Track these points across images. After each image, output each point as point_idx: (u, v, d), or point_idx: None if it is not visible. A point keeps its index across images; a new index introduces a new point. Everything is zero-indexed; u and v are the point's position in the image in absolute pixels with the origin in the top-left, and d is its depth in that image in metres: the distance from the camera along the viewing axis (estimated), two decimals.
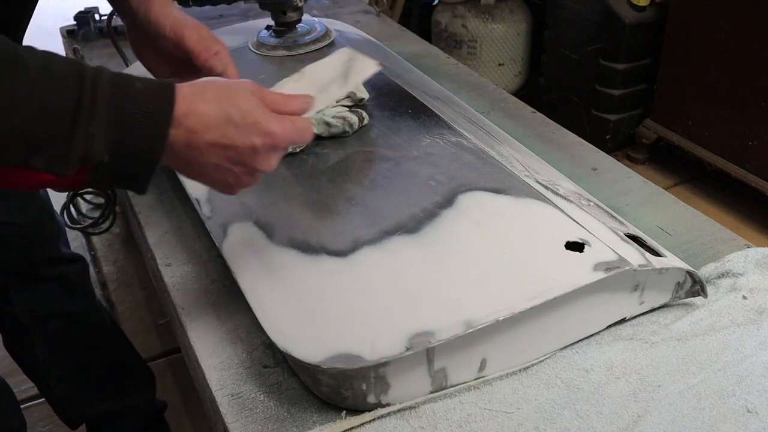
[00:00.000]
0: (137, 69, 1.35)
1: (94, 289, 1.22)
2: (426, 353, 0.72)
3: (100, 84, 0.55)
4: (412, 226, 0.86)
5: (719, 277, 0.91)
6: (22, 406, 1.19)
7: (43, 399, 1.51)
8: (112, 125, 0.55)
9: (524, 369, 0.79)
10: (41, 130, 0.52)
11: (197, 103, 0.59)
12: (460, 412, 0.74)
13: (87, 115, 0.54)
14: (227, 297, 0.90)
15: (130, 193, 1.13)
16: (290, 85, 0.80)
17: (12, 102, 0.51)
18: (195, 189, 1.00)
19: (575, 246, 0.81)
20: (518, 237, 0.84)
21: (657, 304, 0.86)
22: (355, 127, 1.06)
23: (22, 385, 1.21)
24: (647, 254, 0.82)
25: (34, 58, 0.53)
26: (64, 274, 1.13)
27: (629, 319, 0.85)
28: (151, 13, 0.82)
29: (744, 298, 0.87)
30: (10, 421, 1.01)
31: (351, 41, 1.41)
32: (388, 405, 0.74)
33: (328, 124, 1.04)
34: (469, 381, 0.77)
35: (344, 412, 0.74)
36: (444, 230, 0.85)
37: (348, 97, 1.12)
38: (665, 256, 0.84)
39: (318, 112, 1.04)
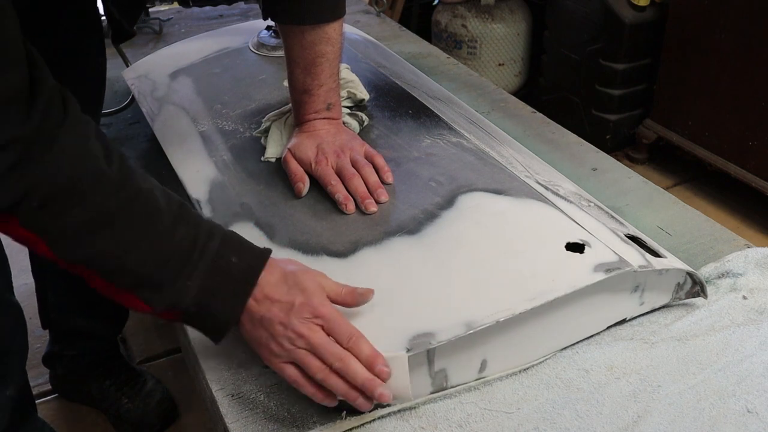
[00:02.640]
0: (137, 69, 1.35)
1: None
2: (426, 354, 0.72)
3: (206, 252, 0.67)
4: (413, 227, 0.86)
5: (719, 278, 0.91)
6: None
7: (44, 399, 1.52)
8: (204, 288, 0.67)
9: (524, 369, 0.79)
10: (151, 273, 0.65)
11: (265, 278, 0.70)
12: (460, 412, 0.74)
13: (188, 271, 0.66)
14: None
15: None
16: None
17: (142, 246, 0.64)
18: (195, 189, 1.00)
19: (575, 247, 0.81)
20: (518, 238, 0.84)
21: (657, 305, 0.86)
22: (356, 131, 1.06)
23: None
24: (647, 255, 0.82)
25: (169, 212, 0.66)
26: None
27: (629, 320, 0.85)
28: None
29: (744, 298, 0.88)
30: (10, 342, 1.04)
31: (351, 41, 1.41)
32: (388, 405, 0.74)
33: None
34: (470, 381, 0.77)
35: (344, 412, 0.74)
36: (444, 231, 0.85)
37: (348, 97, 1.12)
38: (665, 257, 0.84)
39: None
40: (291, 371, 0.69)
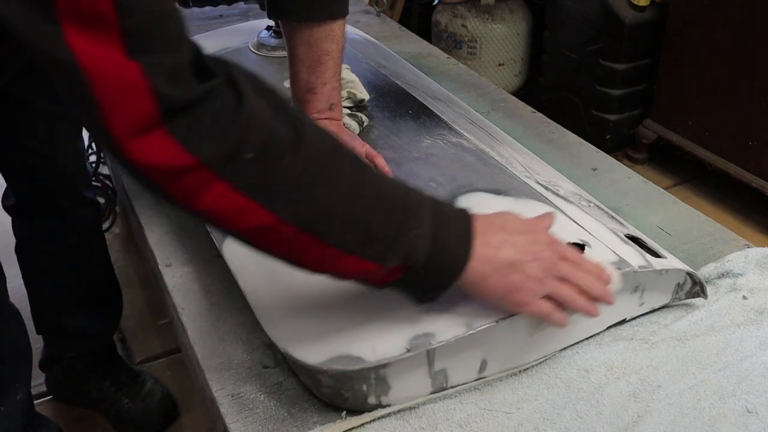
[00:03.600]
0: None
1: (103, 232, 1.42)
2: (426, 354, 0.72)
3: (423, 198, 0.65)
4: None
5: (719, 278, 0.91)
6: None
7: (43, 399, 1.52)
8: (432, 237, 0.63)
9: (524, 369, 0.79)
10: (381, 223, 0.61)
11: (484, 225, 0.67)
12: (460, 412, 0.74)
13: (416, 219, 0.63)
14: (227, 297, 0.90)
15: (131, 193, 1.13)
16: None
17: (364, 195, 0.61)
18: None
19: (575, 247, 0.81)
20: None
21: (657, 305, 0.86)
22: (356, 132, 1.06)
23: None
24: (647, 255, 0.82)
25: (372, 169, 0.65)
26: (81, 215, 1.28)
27: (629, 320, 0.85)
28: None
29: (744, 298, 0.88)
30: (16, 345, 1.04)
31: (351, 41, 1.41)
32: (388, 406, 0.74)
33: None
34: (470, 382, 0.77)
35: (344, 412, 0.74)
36: None
37: (348, 98, 1.12)
38: (665, 257, 0.84)
39: None
40: (546, 305, 0.69)
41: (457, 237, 0.65)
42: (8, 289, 1.05)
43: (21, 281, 1.35)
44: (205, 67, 0.55)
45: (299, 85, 1.00)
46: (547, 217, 0.74)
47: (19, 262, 1.35)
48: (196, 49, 0.56)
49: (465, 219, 0.67)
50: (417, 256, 0.62)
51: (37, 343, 1.51)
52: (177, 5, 0.55)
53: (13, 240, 1.31)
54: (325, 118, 0.99)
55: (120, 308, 1.50)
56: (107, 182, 1.87)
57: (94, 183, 1.73)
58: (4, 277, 1.04)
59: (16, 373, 1.07)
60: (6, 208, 1.29)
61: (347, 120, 1.06)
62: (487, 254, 0.66)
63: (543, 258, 0.67)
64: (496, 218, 0.70)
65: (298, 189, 0.57)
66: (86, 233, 1.34)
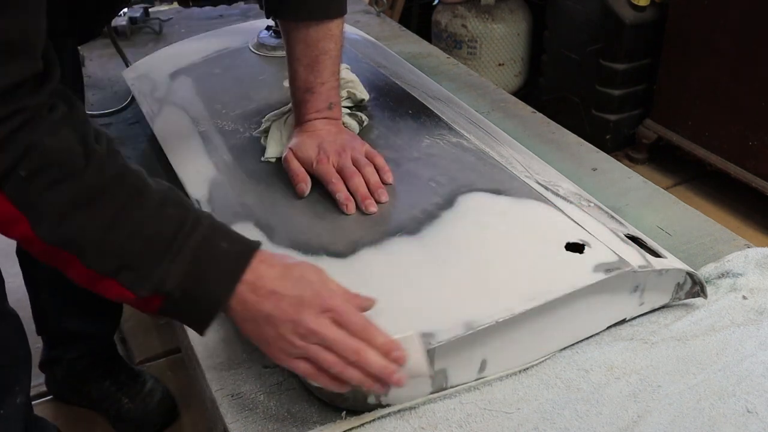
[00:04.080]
0: (137, 69, 1.35)
1: None
2: (426, 354, 0.72)
3: (194, 234, 0.65)
4: (413, 227, 0.86)
5: (719, 278, 0.91)
6: None
7: (43, 399, 1.52)
8: (190, 271, 0.64)
9: (524, 369, 0.79)
10: (136, 252, 0.63)
11: (265, 270, 0.67)
12: (460, 412, 0.74)
13: (175, 252, 0.63)
14: None
15: None
16: None
17: (126, 224, 0.62)
18: (195, 189, 1.00)
19: (575, 247, 0.81)
20: (518, 238, 0.84)
21: (657, 305, 0.86)
22: (356, 132, 1.06)
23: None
24: (647, 255, 0.82)
25: (158, 192, 0.65)
26: None
27: (629, 320, 0.85)
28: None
29: (744, 298, 0.88)
30: (16, 350, 1.04)
31: (351, 41, 1.41)
32: (388, 405, 0.74)
33: None
34: (470, 381, 0.77)
35: (344, 412, 0.74)
36: (444, 231, 0.85)
37: (348, 98, 1.12)
38: (665, 257, 0.84)
39: None
40: (304, 366, 0.67)
41: (219, 275, 0.65)
42: (9, 290, 1.05)
43: (21, 281, 1.35)
44: (24, 90, 0.59)
45: (298, 84, 1.00)
46: (365, 300, 0.70)
47: (20, 264, 1.34)
48: (31, 69, 0.59)
49: (239, 260, 0.66)
50: (169, 289, 0.64)
51: (36, 343, 1.51)
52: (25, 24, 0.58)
53: (12, 242, 1.32)
54: (324, 118, 0.99)
55: (120, 310, 1.49)
56: None
57: None
58: (3, 281, 1.04)
59: (15, 378, 1.07)
60: None
61: (347, 119, 1.06)
62: (248, 300, 0.66)
63: (300, 322, 0.65)
64: (298, 269, 0.69)
65: (58, 213, 0.61)
66: None
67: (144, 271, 0.63)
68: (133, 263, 0.63)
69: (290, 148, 0.98)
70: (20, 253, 1.33)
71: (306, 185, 0.94)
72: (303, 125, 1.00)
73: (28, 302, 1.38)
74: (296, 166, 0.96)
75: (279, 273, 0.67)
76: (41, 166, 0.59)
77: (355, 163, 0.94)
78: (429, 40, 2.12)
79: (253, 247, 0.68)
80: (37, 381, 1.52)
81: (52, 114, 0.60)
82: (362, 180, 0.92)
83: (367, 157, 0.96)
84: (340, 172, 0.93)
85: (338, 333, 0.66)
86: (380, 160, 0.97)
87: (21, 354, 1.08)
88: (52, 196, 0.60)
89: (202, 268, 0.65)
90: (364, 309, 0.70)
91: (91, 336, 1.44)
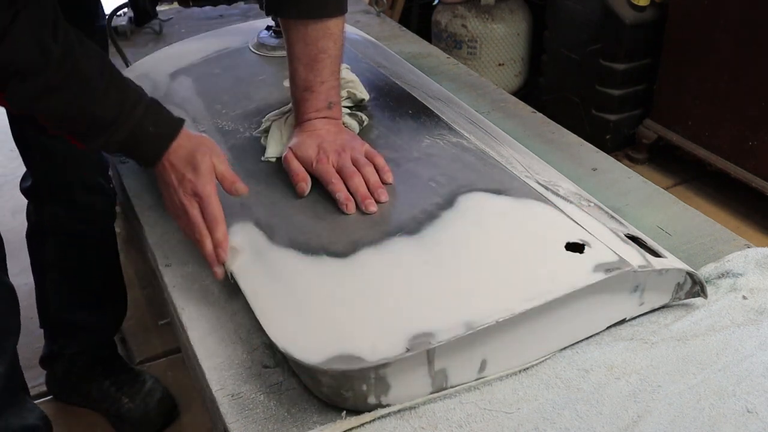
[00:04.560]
0: (137, 69, 1.35)
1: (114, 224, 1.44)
2: (426, 354, 0.72)
3: (130, 118, 0.83)
4: (413, 227, 0.86)
5: (719, 278, 0.91)
6: None
7: (43, 399, 1.52)
8: (125, 142, 0.84)
9: (524, 369, 0.79)
10: (86, 127, 0.83)
11: (176, 159, 0.86)
12: (460, 412, 0.74)
13: (113, 131, 0.83)
14: (227, 297, 0.90)
15: (131, 193, 1.13)
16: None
17: (77, 108, 0.81)
18: None
19: (575, 247, 0.81)
20: (518, 238, 0.84)
21: (657, 305, 0.86)
22: (356, 132, 1.06)
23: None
24: (647, 255, 0.82)
25: (103, 79, 0.82)
26: (91, 203, 1.31)
27: (629, 320, 0.85)
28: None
29: (744, 298, 0.88)
30: (5, 319, 1.06)
31: (351, 41, 1.41)
32: (388, 405, 0.74)
33: None
34: (470, 381, 0.77)
35: (344, 412, 0.74)
36: (444, 231, 0.85)
37: (348, 97, 1.12)
38: (665, 257, 0.84)
39: None
40: (180, 223, 0.89)
41: (147, 149, 0.86)
42: (21, 285, 1.05)
43: (23, 279, 1.35)
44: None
45: (297, 83, 1.00)
46: (235, 187, 0.88)
47: (28, 249, 1.37)
48: None
49: (161, 141, 0.86)
50: (111, 150, 0.88)
51: (37, 342, 1.51)
52: None
53: (13, 237, 1.32)
54: (324, 117, 1.00)
55: (123, 307, 1.50)
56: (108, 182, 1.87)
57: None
58: (4, 254, 1.05)
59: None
60: (22, 190, 1.32)
61: (347, 119, 1.06)
62: (160, 168, 0.87)
63: (177, 194, 0.86)
64: (200, 153, 0.86)
65: (26, 99, 0.80)
66: (96, 223, 1.35)
67: (91, 138, 0.84)
68: (82, 133, 0.83)
69: (290, 148, 0.98)
70: (29, 237, 1.36)
71: (306, 184, 0.94)
72: (303, 125, 1.00)
73: (28, 302, 1.38)
74: (296, 166, 0.96)
75: (183, 153, 0.86)
76: (7, 69, 0.76)
77: (355, 163, 0.95)
78: (429, 40, 2.12)
79: (176, 129, 0.86)
80: (37, 381, 1.53)
81: (13, 25, 0.74)
82: (362, 180, 0.93)
83: (366, 157, 0.96)
84: (340, 171, 0.94)
85: (196, 216, 0.86)
86: (380, 160, 0.97)
87: (10, 325, 1.08)
88: (18, 89, 0.78)
89: (134, 142, 0.84)
90: (235, 192, 0.88)
91: (91, 330, 1.44)
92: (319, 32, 0.97)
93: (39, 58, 0.76)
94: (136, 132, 0.83)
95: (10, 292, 1.08)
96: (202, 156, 0.85)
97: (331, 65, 0.99)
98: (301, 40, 0.98)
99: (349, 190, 0.92)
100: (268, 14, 1.04)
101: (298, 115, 1.02)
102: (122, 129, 0.82)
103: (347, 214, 0.90)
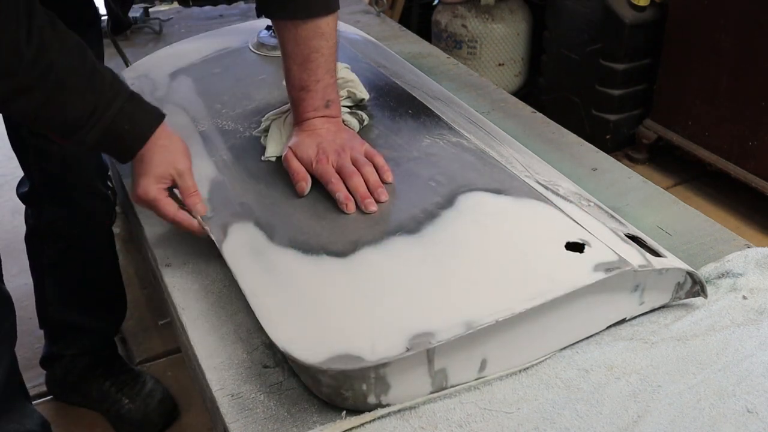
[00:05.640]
0: (137, 69, 1.35)
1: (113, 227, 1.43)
2: (426, 354, 0.72)
3: (104, 115, 0.84)
4: (413, 226, 0.86)
5: (719, 278, 0.91)
6: None
7: (43, 399, 1.52)
8: (101, 140, 0.85)
9: (524, 369, 0.79)
10: (62, 124, 0.83)
11: (151, 146, 0.89)
12: (460, 412, 0.74)
13: (89, 127, 0.84)
14: (227, 297, 0.90)
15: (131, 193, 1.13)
16: None
17: (53, 107, 0.82)
18: None
19: (575, 246, 0.81)
20: (518, 237, 0.84)
21: (657, 305, 0.86)
22: (356, 131, 1.06)
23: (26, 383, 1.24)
24: (647, 255, 0.82)
25: (83, 77, 0.83)
26: (90, 207, 1.29)
27: (629, 320, 0.85)
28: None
29: (744, 298, 0.87)
30: (0, 328, 1.07)
31: (351, 41, 1.41)
32: (388, 405, 0.74)
33: None
34: (470, 381, 0.77)
35: (344, 412, 0.74)
36: (444, 231, 0.85)
37: (348, 97, 1.12)
38: (665, 257, 0.84)
39: None
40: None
41: (122, 148, 0.88)
42: (20, 285, 1.05)
43: (21, 281, 1.35)
44: None
45: (293, 83, 1.00)
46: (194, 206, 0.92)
47: (27, 253, 1.36)
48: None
49: (135, 140, 0.88)
50: (88, 145, 0.85)
51: (38, 342, 1.51)
52: None
53: (13, 238, 1.32)
54: (323, 116, 0.99)
55: (123, 308, 1.50)
56: (108, 182, 1.87)
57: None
58: (0, 261, 1.05)
59: None
60: (19, 195, 1.31)
61: (348, 117, 1.06)
62: (136, 160, 0.89)
63: (158, 175, 0.89)
64: (171, 147, 0.90)
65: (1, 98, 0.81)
66: (94, 227, 1.34)
67: (68, 134, 0.84)
68: (59, 129, 0.84)
69: (290, 148, 0.98)
70: (28, 239, 1.35)
71: (306, 184, 0.94)
72: (302, 124, 1.00)
73: (28, 302, 1.38)
74: (296, 165, 0.96)
75: (160, 147, 0.88)
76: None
77: (355, 163, 0.95)
78: (429, 40, 2.12)
79: (151, 129, 0.88)
80: (37, 381, 1.53)
81: None
82: (362, 179, 0.93)
83: (366, 157, 0.96)
84: (339, 171, 0.94)
85: (169, 207, 0.90)
86: (380, 160, 0.97)
87: (5, 332, 1.08)
88: None
89: (109, 140, 0.86)
90: (194, 209, 0.91)
91: (91, 331, 1.44)
92: (309, 32, 0.96)
93: (10, 60, 0.76)
94: (111, 130, 0.84)
95: (5, 299, 1.08)
96: (174, 148, 0.90)
97: (326, 63, 0.98)
98: (292, 39, 0.97)
99: (348, 190, 0.92)
100: (259, 15, 1.04)
101: (296, 114, 1.01)
102: (95, 129, 0.84)
103: (347, 214, 0.90)
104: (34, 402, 1.21)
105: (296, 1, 0.95)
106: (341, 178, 0.93)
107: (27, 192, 1.29)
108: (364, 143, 0.99)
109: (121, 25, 1.19)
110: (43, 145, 1.19)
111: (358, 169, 0.94)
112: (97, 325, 1.44)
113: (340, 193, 0.91)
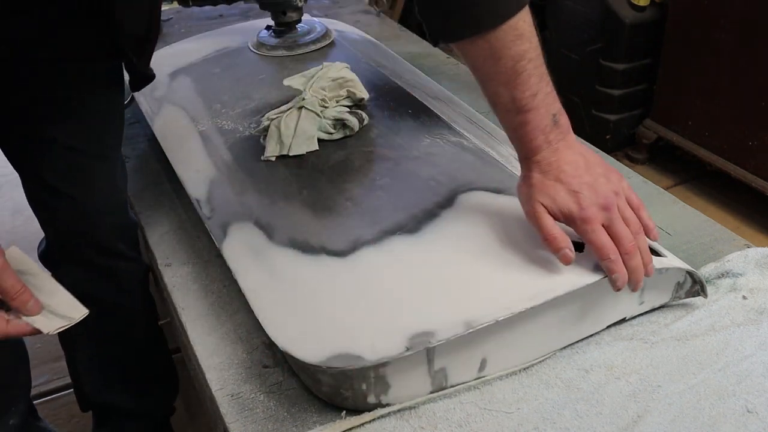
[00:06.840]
0: None
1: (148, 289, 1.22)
2: (426, 353, 0.72)
3: None
4: (412, 226, 0.86)
5: (719, 277, 0.91)
6: None
7: (43, 399, 1.52)
8: None
9: (524, 369, 0.79)
10: None
11: None
12: (460, 412, 0.74)
13: None
14: (227, 297, 0.90)
15: (131, 193, 1.13)
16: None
17: None
18: (195, 188, 1.00)
19: (576, 246, 0.81)
20: (518, 237, 0.84)
21: (657, 304, 0.86)
22: (356, 130, 1.06)
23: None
24: None
25: None
26: (112, 267, 1.12)
27: (629, 319, 0.85)
28: None
29: (744, 298, 0.87)
30: (14, 373, 1.04)
31: (351, 41, 1.41)
32: (388, 405, 0.74)
33: (328, 131, 1.04)
34: (469, 381, 0.77)
35: (344, 412, 0.74)
36: (444, 230, 0.85)
37: (348, 96, 1.12)
38: (665, 256, 0.84)
39: (319, 114, 1.04)
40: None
41: None
42: None
43: None
44: None
45: (505, 107, 0.80)
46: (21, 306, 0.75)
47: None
48: None
49: None
50: None
51: (37, 342, 1.51)
52: None
53: (13, 238, 1.30)
54: (554, 141, 0.78)
55: (176, 386, 1.34)
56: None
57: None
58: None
59: (11, 400, 1.05)
60: (39, 255, 1.16)
61: (348, 116, 1.06)
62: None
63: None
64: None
65: None
66: (125, 293, 1.16)
67: None
68: None
69: (539, 201, 0.77)
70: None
71: (572, 252, 0.75)
72: (532, 159, 0.78)
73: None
74: (550, 226, 0.76)
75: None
76: None
77: (626, 222, 0.76)
78: None
79: None
80: (37, 381, 1.53)
81: None
82: (640, 260, 0.75)
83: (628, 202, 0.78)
84: (616, 240, 0.75)
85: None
86: (644, 213, 0.79)
87: (18, 380, 1.07)
88: None
89: None
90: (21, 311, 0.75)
91: (138, 416, 1.27)
92: (507, 38, 0.76)
93: None
94: None
95: (20, 347, 1.05)
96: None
97: (536, 70, 0.78)
98: (488, 57, 0.77)
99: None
100: (434, 44, 0.86)
101: (522, 148, 0.80)
102: None
103: (347, 213, 0.90)
104: (35, 402, 1.20)
105: (479, 4, 0.74)
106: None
107: (44, 251, 1.16)
108: (622, 178, 0.79)
109: (145, 80, 1.03)
110: (48, 197, 1.04)
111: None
112: (144, 409, 1.27)
113: (619, 275, 0.74)
